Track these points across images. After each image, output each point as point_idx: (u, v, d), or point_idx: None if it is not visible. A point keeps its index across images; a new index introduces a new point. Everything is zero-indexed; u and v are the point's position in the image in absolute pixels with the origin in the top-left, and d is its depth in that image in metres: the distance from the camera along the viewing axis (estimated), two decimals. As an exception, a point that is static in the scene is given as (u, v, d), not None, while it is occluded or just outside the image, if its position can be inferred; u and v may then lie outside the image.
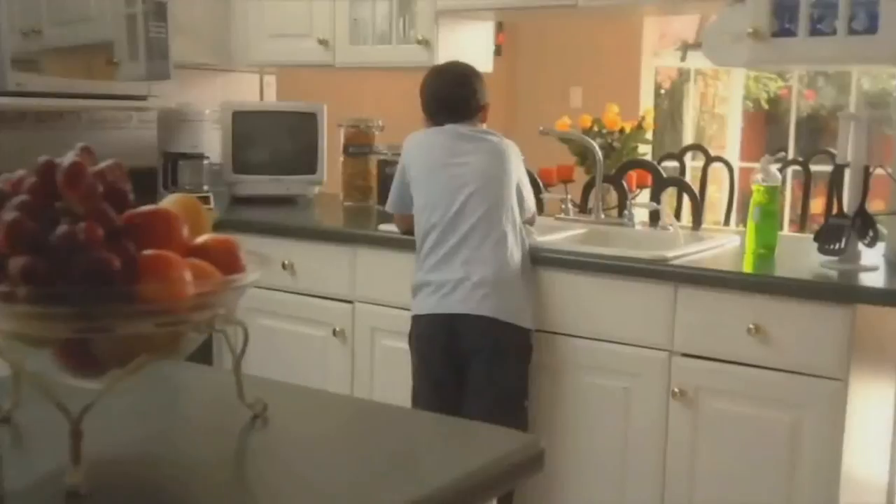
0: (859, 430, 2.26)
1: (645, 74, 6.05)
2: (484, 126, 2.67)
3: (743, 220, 2.95)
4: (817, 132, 6.62)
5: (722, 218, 4.47)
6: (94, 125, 3.40)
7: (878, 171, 2.34)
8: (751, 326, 2.22)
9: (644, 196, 3.21)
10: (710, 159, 4.56)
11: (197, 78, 3.64)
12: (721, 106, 6.78)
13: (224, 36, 3.57)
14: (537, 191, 2.91)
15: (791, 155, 5.69)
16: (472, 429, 1.17)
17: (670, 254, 2.43)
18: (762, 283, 2.26)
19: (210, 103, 3.52)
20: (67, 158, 0.88)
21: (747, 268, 2.42)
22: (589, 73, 5.82)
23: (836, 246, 2.29)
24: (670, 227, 2.84)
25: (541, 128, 3.13)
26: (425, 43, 3.18)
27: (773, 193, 2.47)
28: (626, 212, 2.97)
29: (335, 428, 1.14)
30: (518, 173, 2.58)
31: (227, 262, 0.98)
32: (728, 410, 2.30)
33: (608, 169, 3.25)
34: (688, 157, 4.87)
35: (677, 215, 3.70)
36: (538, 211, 2.83)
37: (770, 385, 2.23)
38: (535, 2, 3.07)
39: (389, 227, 2.80)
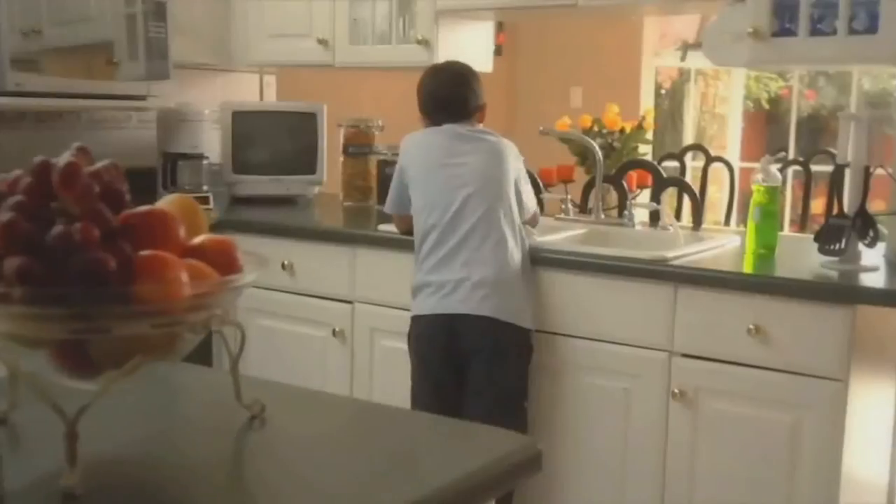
0: (859, 431, 2.25)
1: (645, 74, 6.04)
2: (481, 126, 2.66)
3: (743, 220, 2.95)
4: (818, 132, 6.62)
5: (722, 218, 4.46)
6: (94, 125, 3.39)
7: (879, 171, 2.33)
8: (751, 327, 2.22)
9: (644, 196, 3.20)
10: (710, 159, 4.55)
11: (197, 78, 3.64)
12: (721, 106, 6.78)
13: (224, 36, 3.57)
14: (537, 191, 2.90)
15: (792, 155, 5.69)
16: (471, 430, 1.16)
17: (670, 254, 2.43)
18: (762, 284, 2.25)
19: (210, 103, 3.52)
20: (63, 159, 0.88)
21: (747, 268, 2.42)
22: (589, 73, 5.81)
23: (837, 246, 2.29)
24: (670, 228, 2.83)
25: (541, 128, 3.12)
26: (425, 43, 3.18)
27: (774, 193, 2.46)
28: (626, 212, 2.97)
29: (334, 429, 1.14)
30: (517, 173, 2.58)
31: (225, 262, 0.97)
32: (728, 411, 2.29)
33: (608, 169, 3.25)
34: (688, 157, 4.87)
35: (678, 215, 3.70)
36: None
37: (770, 386, 2.23)
38: (534, 1, 3.07)
39: (389, 228, 2.79)
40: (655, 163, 3.47)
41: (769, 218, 2.46)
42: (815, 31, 2.38)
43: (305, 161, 3.51)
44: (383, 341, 2.81)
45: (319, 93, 3.76)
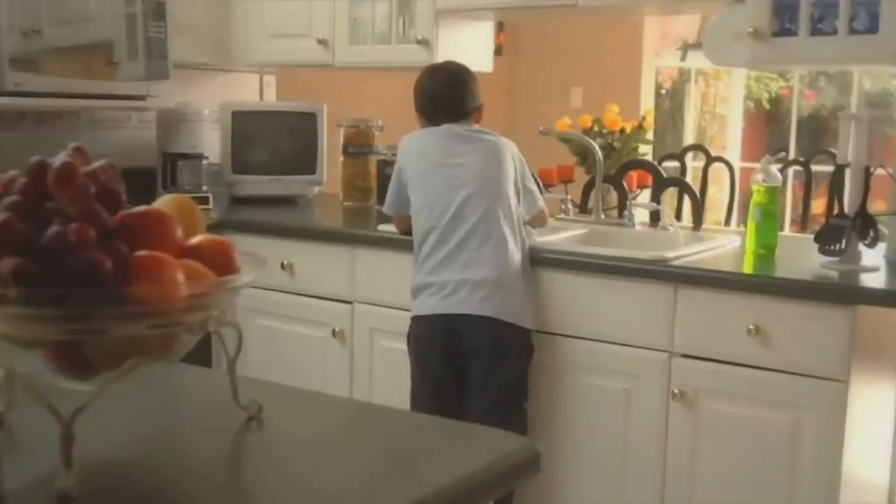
0: (860, 432, 2.25)
1: (646, 74, 6.04)
2: (479, 126, 2.66)
3: (744, 220, 2.95)
4: (818, 132, 6.61)
5: (723, 218, 4.46)
6: (94, 125, 3.39)
7: (879, 171, 2.33)
8: (751, 327, 2.21)
9: (644, 196, 3.20)
10: (710, 159, 4.55)
11: (196, 78, 3.63)
12: (722, 106, 6.77)
13: (223, 36, 3.56)
14: (537, 191, 2.90)
15: (792, 155, 5.69)
16: (469, 431, 1.16)
17: (670, 254, 2.42)
18: (762, 284, 2.25)
19: (209, 103, 3.51)
20: (59, 159, 0.87)
21: (747, 268, 2.41)
22: (590, 73, 5.81)
23: (837, 246, 2.29)
24: (670, 228, 2.83)
25: (541, 128, 3.12)
26: (425, 43, 3.18)
27: (774, 194, 2.46)
28: (626, 212, 2.96)
29: (332, 429, 1.14)
30: (519, 171, 2.57)
31: (222, 263, 0.97)
32: (728, 411, 2.29)
33: (608, 169, 3.24)
34: (689, 157, 4.86)
35: (678, 215, 3.69)
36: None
37: (770, 386, 2.23)
38: (534, 1, 3.06)
39: (389, 228, 2.79)
40: (656, 163, 3.47)
41: (769, 218, 2.46)
42: (815, 31, 2.37)
43: (305, 161, 3.51)
44: (383, 341, 2.81)
45: (319, 93, 3.76)
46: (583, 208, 3.19)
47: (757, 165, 2.50)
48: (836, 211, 2.33)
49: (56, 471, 0.87)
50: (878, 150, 2.29)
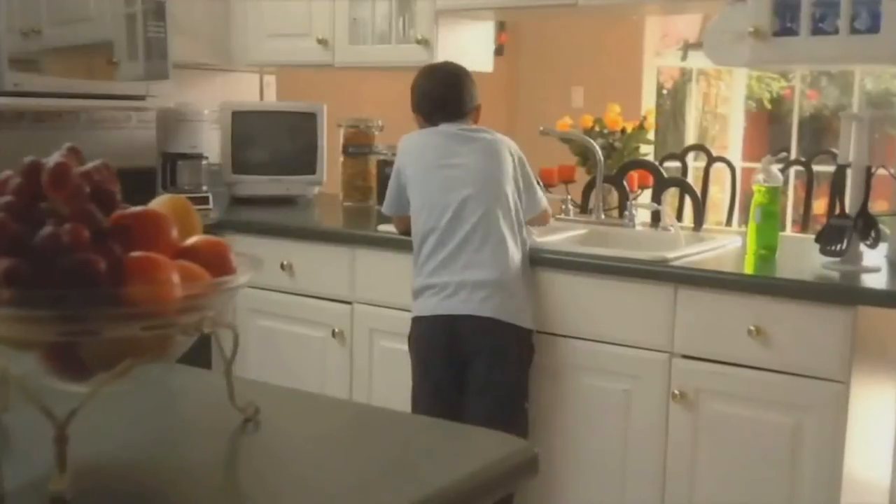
0: (861, 432, 2.24)
1: (647, 74, 6.03)
2: (476, 126, 2.65)
3: (745, 220, 2.94)
4: (820, 132, 6.61)
5: (724, 218, 4.45)
6: (93, 125, 3.39)
7: (881, 171, 2.32)
8: (751, 328, 2.21)
9: (645, 196, 3.19)
10: (712, 159, 4.55)
11: (196, 78, 3.63)
12: (723, 106, 6.76)
13: (223, 35, 3.56)
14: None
15: (794, 155, 5.68)
16: (467, 433, 1.15)
17: (671, 255, 2.42)
18: (763, 285, 2.24)
19: (209, 103, 3.51)
20: (53, 159, 0.87)
21: (748, 269, 2.40)
22: (591, 73, 5.80)
23: (838, 247, 2.28)
24: (671, 228, 2.82)
25: (541, 128, 3.11)
26: (425, 43, 3.17)
27: (775, 194, 2.45)
28: (626, 212, 2.95)
29: (330, 431, 1.13)
30: (519, 169, 2.57)
31: (218, 263, 0.96)
32: (728, 412, 2.28)
33: (609, 169, 3.24)
34: (690, 157, 4.86)
35: (679, 216, 3.69)
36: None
37: (771, 387, 2.22)
38: (534, 1, 3.06)
39: (389, 228, 2.79)
40: (657, 163, 3.46)
41: (770, 218, 2.45)
42: (816, 31, 2.37)
43: (305, 161, 3.51)
44: (383, 342, 2.80)
45: (319, 93, 3.75)
46: (583, 208, 3.18)
47: (758, 166, 2.50)
48: (837, 211, 2.33)
49: (51, 473, 0.86)
50: (879, 150, 2.28)
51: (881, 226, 2.33)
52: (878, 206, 2.47)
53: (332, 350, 2.90)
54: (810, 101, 6.73)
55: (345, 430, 1.14)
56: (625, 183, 3.09)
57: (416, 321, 2.51)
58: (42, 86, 2.86)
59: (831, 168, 2.60)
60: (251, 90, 3.95)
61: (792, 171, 4.84)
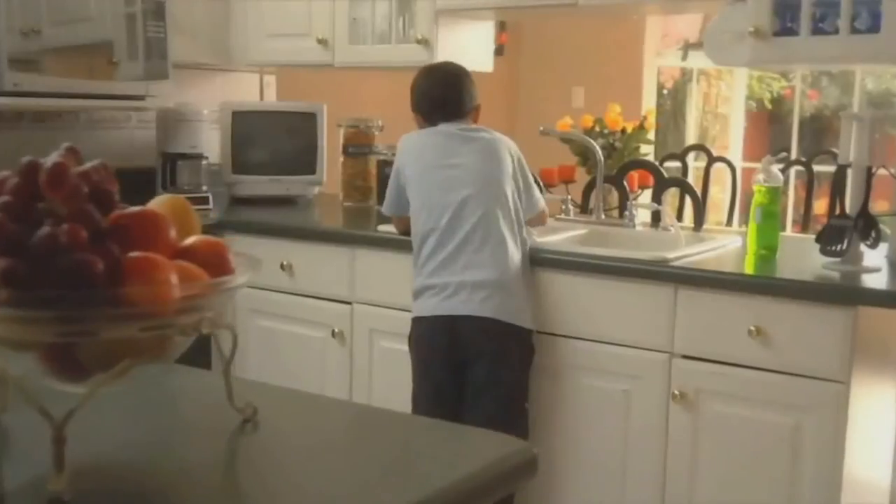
0: (861, 433, 2.24)
1: (647, 74, 6.03)
2: (475, 125, 2.65)
3: (746, 220, 2.94)
4: (821, 132, 6.60)
5: (724, 218, 4.45)
6: (93, 125, 3.39)
7: (881, 171, 2.32)
8: (751, 328, 2.20)
9: (646, 197, 3.19)
10: (712, 159, 4.54)
11: (196, 78, 3.63)
12: (724, 106, 6.76)
13: (223, 35, 3.56)
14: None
15: (794, 155, 5.68)
16: (466, 434, 1.15)
17: (671, 255, 2.41)
18: (763, 285, 2.24)
19: (209, 103, 3.51)
20: (51, 159, 0.86)
21: (748, 269, 2.40)
22: (591, 73, 5.80)
23: (838, 247, 2.27)
24: (671, 228, 2.82)
25: (541, 128, 3.11)
26: (425, 42, 3.17)
27: (775, 194, 2.45)
28: (627, 212, 2.95)
29: (329, 432, 1.13)
30: (518, 168, 2.56)
31: (216, 264, 0.96)
32: (729, 413, 2.28)
33: (610, 169, 3.24)
34: (690, 157, 4.86)
35: (680, 216, 3.68)
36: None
37: (771, 387, 2.22)
38: (534, 1, 3.05)
39: (389, 228, 2.78)
40: (657, 163, 3.46)
41: (770, 218, 2.45)
42: (816, 31, 2.36)
43: (305, 161, 3.51)
44: (382, 342, 2.80)
45: (319, 93, 3.75)
46: (584, 208, 3.18)
47: (759, 166, 2.49)
48: (837, 211, 2.32)
49: (49, 474, 0.86)
50: (880, 150, 2.28)
51: (881, 226, 2.33)
52: (878, 206, 2.46)
53: (332, 350, 2.90)
54: (811, 100, 6.73)
55: (344, 431, 1.14)
56: (625, 183, 3.09)
57: (417, 322, 2.51)
58: (42, 86, 2.86)
59: (832, 168, 2.60)
60: (251, 90, 3.95)
61: (792, 171, 4.84)
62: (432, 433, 1.17)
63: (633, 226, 2.91)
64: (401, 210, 2.63)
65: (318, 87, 3.89)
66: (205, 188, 3.33)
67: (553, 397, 2.52)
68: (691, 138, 6.50)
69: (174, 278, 0.88)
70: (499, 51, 4.50)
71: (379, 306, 2.80)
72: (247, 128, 3.49)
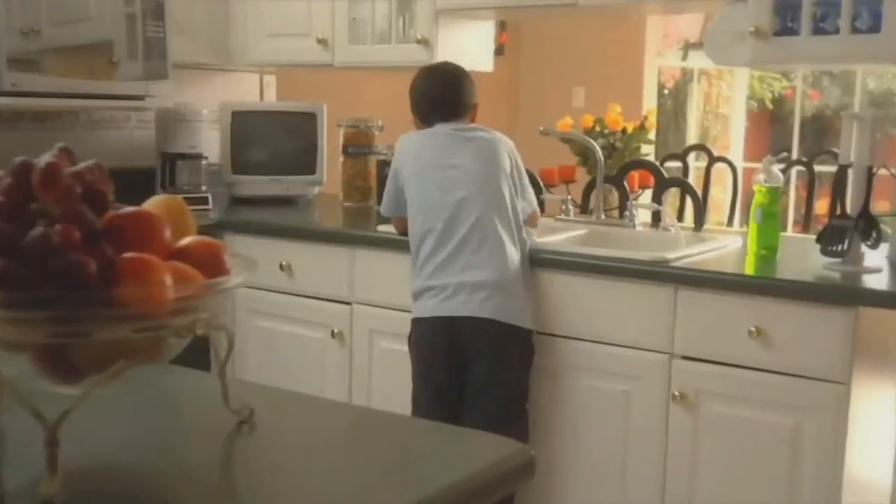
0: (862, 434, 2.23)
1: (648, 74, 6.03)
2: (473, 125, 2.64)
3: (746, 220, 2.93)
4: (822, 132, 6.60)
5: (725, 219, 4.44)
6: (93, 125, 3.38)
7: (882, 171, 2.31)
8: (752, 329, 2.20)
9: (646, 197, 3.18)
10: (713, 160, 4.54)
11: (196, 78, 3.62)
12: (725, 106, 6.75)
13: (223, 35, 3.55)
14: (537, 191, 2.88)
15: (795, 155, 5.67)
16: (465, 436, 1.15)
17: (671, 255, 2.41)
18: (763, 285, 2.23)
19: (209, 103, 3.50)
20: (44, 159, 0.86)
21: (748, 269, 2.40)
22: (592, 73, 5.80)
23: (839, 247, 2.27)
24: (672, 229, 2.81)
25: (541, 128, 3.10)
26: (425, 42, 3.16)
27: (775, 194, 2.44)
28: (627, 213, 2.94)
29: (326, 433, 1.13)
30: (515, 168, 2.56)
31: (211, 265, 0.95)
32: (729, 414, 2.27)
33: (610, 169, 3.23)
34: (691, 157, 4.85)
35: (680, 216, 3.68)
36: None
37: (771, 388, 2.21)
38: (535, 1, 3.05)
39: (388, 229, 2.78)
40: (657, 163, 3.45)
41: (771, 219, 2.44)
42: (817, 31, 2.36)
43: (305, 161, 3.50)
44: (382, 343, 2.79)
45: (319, 93, 3.75)
46: (584, 209, 3.17)
47: (759, 166, 2.49)
48: (838, 211, 2.32)
49: (43, 476, 0.85)
50: (881, 150, 2.27)
51: (882, 226, 2.32)
52: (879, 206, 2.46)
53: (332, 351, 2.89)
54: (812, 100, 6.72)
55: (341, 432, 1.13)
56: (625, 183, 3.08)
57: (416, 322, 2.50)
58: (41, 86, 2.85)
59: (833, 168, 2.60)
60: (251, 90, 3.95)
61: (793, 171, 4.84)
62: (432, 435, 1.17)
63: (634, 226, 2.90)
64: (399, 210, 2.62)
65: (317, 87, 3.88)
66: (204, 188, 3.33)
67: (553, 398, 2.51)
68: (692, 138, 6.49)
69: (168, 279, 0.88)
70: (499, 51, 4.49)
71: (379, 307, 2.80)
72: (247, 128, 3.48)
